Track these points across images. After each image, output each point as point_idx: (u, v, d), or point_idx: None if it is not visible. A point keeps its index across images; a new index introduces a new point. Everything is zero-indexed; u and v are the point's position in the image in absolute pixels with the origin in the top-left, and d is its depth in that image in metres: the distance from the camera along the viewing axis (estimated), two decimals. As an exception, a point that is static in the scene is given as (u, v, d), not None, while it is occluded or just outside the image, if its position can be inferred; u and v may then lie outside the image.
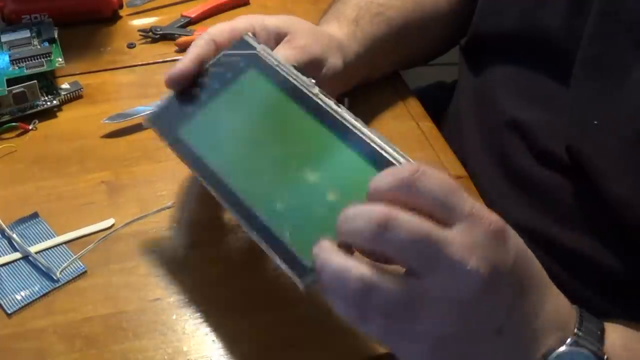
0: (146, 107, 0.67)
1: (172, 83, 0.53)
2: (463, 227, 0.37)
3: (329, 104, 0.45)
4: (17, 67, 0.69)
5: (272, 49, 0.55)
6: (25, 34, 0.74)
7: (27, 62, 0.70)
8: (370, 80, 0.70)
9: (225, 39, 0.55)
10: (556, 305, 0.42)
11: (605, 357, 0.40)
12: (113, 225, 0.57)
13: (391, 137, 0.65)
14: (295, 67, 0.49)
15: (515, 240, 0.40)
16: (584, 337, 0.41)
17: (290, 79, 0.48)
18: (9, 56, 0.70)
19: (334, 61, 0.60)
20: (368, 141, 0.42)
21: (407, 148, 0.64)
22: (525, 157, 0.60)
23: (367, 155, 0.42)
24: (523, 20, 0.61)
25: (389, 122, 0.67)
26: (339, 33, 0.64)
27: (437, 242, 0.36)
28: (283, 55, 0.55)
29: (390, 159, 0.41)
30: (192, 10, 0.82)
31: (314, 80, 0.47)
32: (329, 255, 0.38)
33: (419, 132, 0.66)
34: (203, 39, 0.54)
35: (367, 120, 0.67)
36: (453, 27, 0.74)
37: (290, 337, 0.49)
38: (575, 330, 0.41)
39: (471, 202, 0.38)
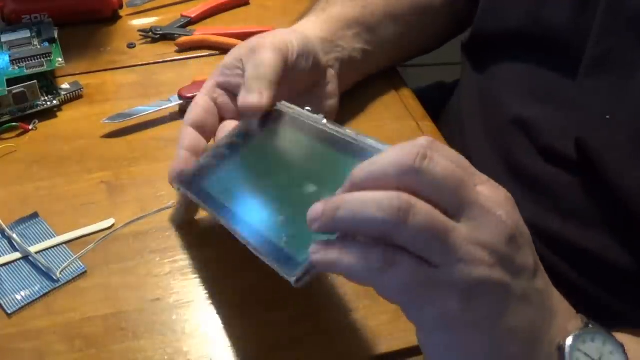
0: (146, 107, 0.67)
1: (176, 180, 0.54)
2: (470, 222, 0.36)
3: (335, 127, 0.48)
4: (17, 67, 0.69)
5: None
6: (25, 34, 0.74)
7: (27, 62, 0.70)
8: (367, 73, 0.69)
9: (211, 113, 0.57)
10: (560, 297, 0.42)
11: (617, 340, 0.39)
12: (113, 225, 0.57)
13: (391, 137, 0.65)
14: (309, 111, 0.52)
15: (526, 235, 0.39)
16: (595, 326, 0.40)
17: (302, 118, 0.51)
18: (9, 56, 0.70)
19: (293, 38, 0.58)
20: (369, 149, 0.43)
21: (407, 148, 0.64)
22: (531, 155, 0.60)
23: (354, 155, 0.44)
24: (528, 17, 0.61)
25: (389, 122, 0.67)
26: (300, 24, 0.64)
27: (449, 239, 0.35)
28: (257, 64, 0.54)
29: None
30: (192, 10, 0.82)
31: (322, 114, 0.50)
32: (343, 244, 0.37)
33: (419, 132, 0.66)
34: (186, 130, 0.56)
35: (367, 120, 0.67)
36: (446, 23, 0.74)
37: (291, 337, 0.49)
38: (586, 320, 0.40)
39: (476, 194, 0.37)
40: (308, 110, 0.52)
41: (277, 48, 0.56)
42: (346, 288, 0.52)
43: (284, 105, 0.54)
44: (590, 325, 0.40)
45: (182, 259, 0.54)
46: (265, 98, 0.53)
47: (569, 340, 0.38)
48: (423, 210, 0.35)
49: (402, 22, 0.70)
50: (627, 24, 0.52)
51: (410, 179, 0.36)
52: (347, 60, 0.65)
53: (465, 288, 0.35)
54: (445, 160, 0.36)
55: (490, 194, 0.37)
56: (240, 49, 0.58)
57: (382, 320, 0.50)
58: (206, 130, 0.56)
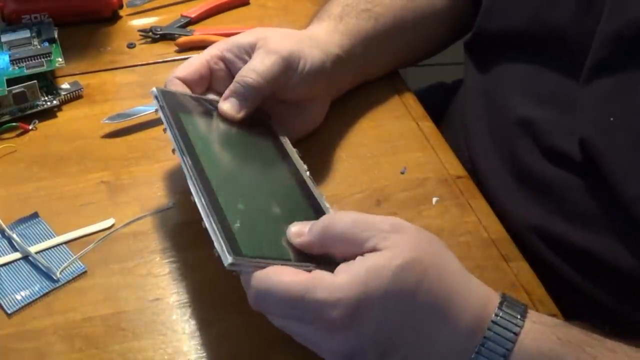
0: (146, 107, 0.67)
1: (158, 89, 0.54)
2: (313, 326, 0.42)
3: (302, 168, 0.55)
4: (17, 67, 0.69)
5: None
6: (25, 34, 0.74)
7: (27, 62, 0.70)
8: (368, 79, 0.70)
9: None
10: (456, 331, 0.42)
11: None
12: (113, 225, 0.57)
13: (391, 137, 0.66)
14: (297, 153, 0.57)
15: (374, 312, 0.41)
16: (486, 353, 0.41)
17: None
18: (9, 56, 0.70)
19: (311, 54, 0.59)
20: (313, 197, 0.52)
21: (407, 148, 0.65)
22: (535, 156, 0.60)
23: (310, 205, 0.52)
24: (532, 18, 0.61)
25: (389, 122, 0.67)
26: (317, 30, 0.64)
27: (306, 334, 0.43)
28: (260, 61, 0.56)
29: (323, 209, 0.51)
30: (192, 10, 0.82)
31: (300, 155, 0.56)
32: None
33: (419, 132, 0.66)
34: (173, 81, 0.57)
35: (367, 120, 0.67)
36: (450, 25, 0.74)
37: (290, 337, 0.49)
38: (475, 353, 0.41)
39: (314, 305, 0.41)
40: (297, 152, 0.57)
41: (288, 61, 0.57)
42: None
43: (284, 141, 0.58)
44: (487, 344, 0.41)
45: (183, 259, 0.54)
46: (242, 114, 0.56)
47: None
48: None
49: (409, 30, 0.70)
50: (631, 26, 0.52)
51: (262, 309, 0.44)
52: (350, 67, 0.66)
53: None
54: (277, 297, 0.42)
55: (322, 317, 0.41)
56: (260, 36, 0.58)
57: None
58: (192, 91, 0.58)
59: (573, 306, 0.53)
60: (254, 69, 0.56)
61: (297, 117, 0.62)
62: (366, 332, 0.41)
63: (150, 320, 0.50)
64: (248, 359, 0.49)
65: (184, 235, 0.56)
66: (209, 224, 0.44)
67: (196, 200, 0.46)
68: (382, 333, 0.41)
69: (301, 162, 0.56)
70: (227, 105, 0.56)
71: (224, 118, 0.56)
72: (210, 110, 0.56)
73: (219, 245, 0.43)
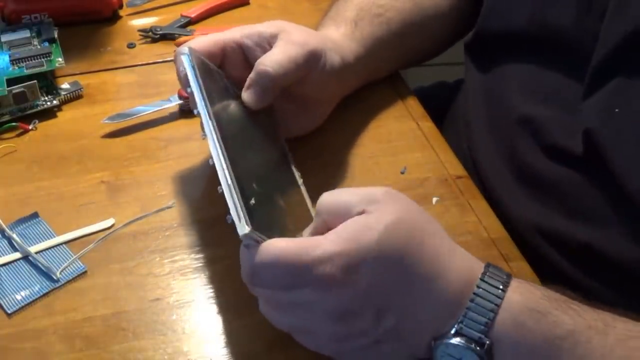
0: (146, 107, 0.67)
1: (188, 51, 0.54)
2: (307, 288, 0.42)
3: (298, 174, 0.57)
4: (17, 67, 0.69)
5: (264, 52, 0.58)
6: (25, 34, 0.74)
7: (27, 62, 0.70)
8: (372, 81, 0.70)
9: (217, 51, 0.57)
10: (443, 293, 0.43)
11: (488, 342, 0.42)
12: (113, 225, 0.57)
13: (391, 137, 0.66)
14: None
15: (368, 269, 0.42)
16: (467, 323, 0.42)
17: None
18: (9, 56, 0.70)
19: (332, 56, 0.60)
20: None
21: (407, 148, 0.65)
22: (536, 154, 0.60)
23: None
24: (532, 18, 0.61)
25: (390, 122, 0.67)
26: (335, 34, 0.64)
27: (298, 301, 0.43)
28: (282, 51, 0.56)
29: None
30: (192, 10, 0.82)
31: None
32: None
33: (419, 132, 0.66)
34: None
35: (367, 120, 0.67)
36: (453, 26, 0.74)
37: (290, 337, 0.49)
38: (460, 318, 0.42)
39: (307, 266, 0.41)
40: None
41: (312, 55, 0.58)
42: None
43: None
44: (476, 302, 0.42)
45: (182, 259, 0.54)
46: (262, 104, 0.56)
47: (436, 346, 0.43)
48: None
49: (416, 33, 0.70)
50: (635, 24, 0.52)
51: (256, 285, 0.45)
52: (360, 73, 0.66)
53: (326, 337, 0.44)
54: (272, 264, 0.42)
55: (315, 277, 0.41)
56: (283, 28, 0.58)
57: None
58: None
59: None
60: (276, 60, 0.56)
61: (299, 116, 0.62)
62: (360, 288, 0.41)
63: (150, 320, 0.50)
64: (248, 359, 0.49)
65: (184, 235, 0.56)
66: (228, 190, 0.44)
67: (217, 163, 0.45)
68: (375, 290, 0.42)
69: (294, 168, 0.57)
70: (249, 95, 0.55)
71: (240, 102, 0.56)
72: (227, 86, 0.56)
73: (237, 214, 0.42)
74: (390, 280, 0.42)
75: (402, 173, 0.62)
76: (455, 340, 0.42)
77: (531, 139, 0.60)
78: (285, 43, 0.57)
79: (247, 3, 0.86)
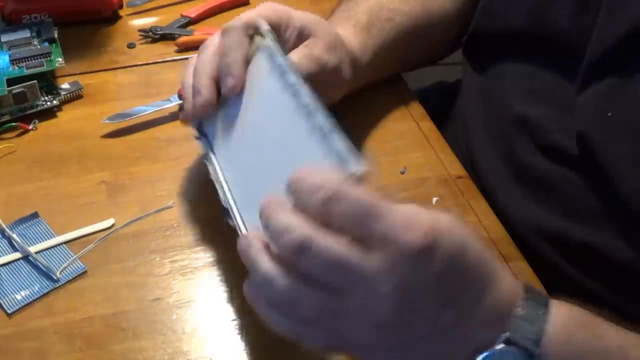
0: (146, 107, 0.67)
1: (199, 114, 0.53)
2: (379, 253, 0.36)
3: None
4: (17, 67, 0.69)
5: (292, 44, 0.56)
6: (25, 34, 0.74)
7: (27, 62, 0.69)
8: (376, 81, 0.70)
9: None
10: (496, 299, 0.40)
11: (538, 352, 0.39)
12: (113, 225, 0.57)
13: (391, 137, 0.66)
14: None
15: (446, 248, 0.37)
16: (518, 332, 0.39)
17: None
18: (9, 56, 0.70)
19: (346, 71, 0.60)
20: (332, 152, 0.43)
21: (407, 148, 0.65)
22: (533, 154, 0.60)
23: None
24: (528, 18, 0.61)
25: (390, 122, 0.67)
26: (353, 42, 0.63)
27: (351, 270, 0.36)
28: (298, 61, 0.55)
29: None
30: (192, 10, 0.82)
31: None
32: (257, 255, 0.40)
33: (419, 133, 0.66)
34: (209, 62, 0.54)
35: (367, 120, 0.67)
36: (458, 29, 0.74)
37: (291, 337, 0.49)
38: (511, 326, 0.39)
39: (388, 223, 0.36)
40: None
41: (325, 75, 0.57)
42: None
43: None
44: (525, 314, 0.40)
45: (182, 259, 0.54)
46: None
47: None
48: (324, 243, 0.36)
49: (423, 38, 0.70)
50: (628, 24, 0.52)
51: (327, 210, 0.37)
52: (367, 77, 0.66)
53: (370, 323, 0.37)
54: (358, 197, 0.37)
55: (380, 264, 0.36)
56: (316, 32, 0.57)
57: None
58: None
59: (573, 302, 0.53)
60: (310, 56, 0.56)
61: None
62: (434, 269, 0.37)
63: (150, 320, 0.50)
64: (248, 359, 0.49)
65: (184, 235, 0.56)
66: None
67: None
68: (447, 277, 0.37)
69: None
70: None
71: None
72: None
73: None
74: (463, 269, 0.38)
75: (402, 173, 0.62)
76: (504, 348, 0.39)
77: (528, 138, 0.60)
78: (306, 55, 0.56)
79: (247, 3, 0.86)
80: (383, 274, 0.36)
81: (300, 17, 0.58)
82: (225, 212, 0.49)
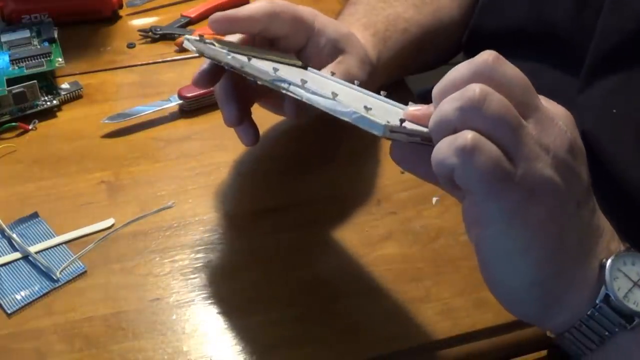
0: (146, 107, 0.67)
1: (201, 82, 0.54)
2: (535, 124, 0.39)
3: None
4: (17, 67, 0.69)
5: (326, 55, 0.57)
6: (25, 34, 0.74)
7: (27, 62, 0.70)
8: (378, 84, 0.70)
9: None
10: (604, 218, 0.42)
11: None
12: (113, 225, 0.57)
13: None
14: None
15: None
16: (635, 251, 0.40)
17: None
18: (9, 56, 0.70)
19: (364, 80, 0.60)
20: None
21: (407, 148, 0.64)
22: None
23: None
24: (528, 15, 0.61)
25: (389, 122, 0.67)
26: (371, 53, 0.63)
27: (519, 131, 0.38)
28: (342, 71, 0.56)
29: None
30: (192, 10, 0.82)
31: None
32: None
33: (419, 132, 0.66)
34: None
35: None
36: (463, 33, 0.74)
37: (290, 337, 0.49)
38: (628, 245, 0.41)
39: (540, 101, 0.40)
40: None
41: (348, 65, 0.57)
42: (347, 288, 0.52)
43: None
44: (632, 250, 0.40)
45: (182, 259, 0.54)
46: (300, 117, 0.55)
47: (610, 260, 0.39)
48: (497, 97, 0.37)
49: (432, 44, 0.70)
50: (632, 20, 0.52)
51: (484, 78, 0.38)
52: (373, 81, 0.66)
53: (529, 184, 0.37)
54: (513, 66, 0.40)
55: (551, 106, 0.40)
56: (345, 49, 0.58)
57: (382, 321, 0.50)
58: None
59: None
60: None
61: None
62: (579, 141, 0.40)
63: (150, 320, 0.50)
64: (248, 359, 0.49)
65: (184, 235, 0.56)
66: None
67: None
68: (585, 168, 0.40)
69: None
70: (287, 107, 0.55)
71: None
72: None
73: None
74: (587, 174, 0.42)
75: (402, 173, 0.62)
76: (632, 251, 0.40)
77: None
78: (345, 74, 0.56)
79: (247, 3, 0.85)
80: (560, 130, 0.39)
81: (332, 28, 0.58)
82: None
